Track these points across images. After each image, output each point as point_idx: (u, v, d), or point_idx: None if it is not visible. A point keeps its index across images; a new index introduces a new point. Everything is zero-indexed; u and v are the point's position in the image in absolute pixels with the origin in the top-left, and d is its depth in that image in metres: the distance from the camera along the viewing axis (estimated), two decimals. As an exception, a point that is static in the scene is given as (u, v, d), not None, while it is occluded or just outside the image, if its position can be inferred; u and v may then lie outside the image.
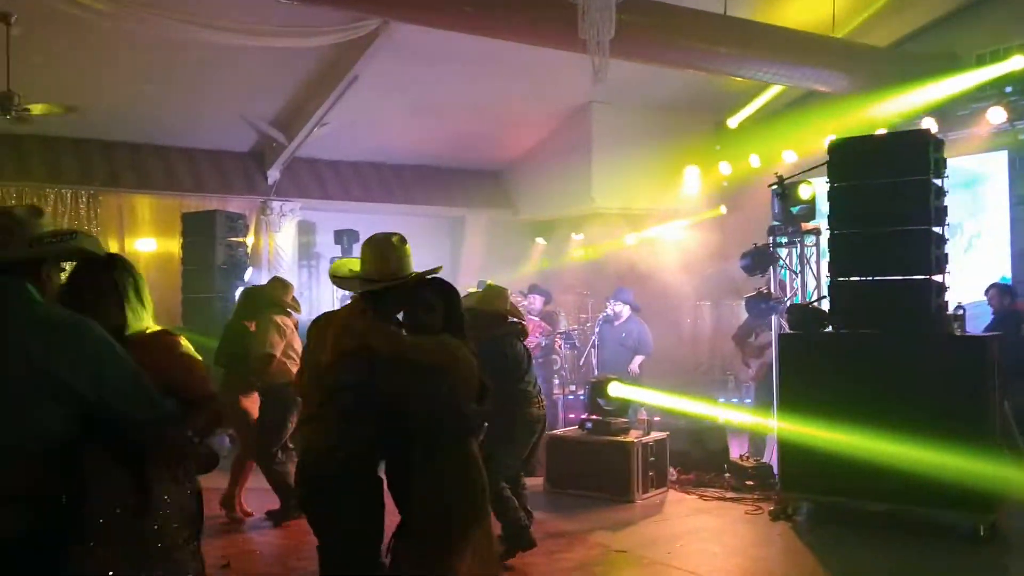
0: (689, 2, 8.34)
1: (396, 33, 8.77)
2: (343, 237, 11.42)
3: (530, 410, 5.52)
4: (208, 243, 9.79)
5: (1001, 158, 9.33)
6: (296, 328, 6.44)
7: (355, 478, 3.31)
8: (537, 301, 10.30)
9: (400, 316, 3.57)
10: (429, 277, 3.56)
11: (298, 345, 6.31)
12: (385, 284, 3.43)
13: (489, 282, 6.10)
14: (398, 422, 3.32)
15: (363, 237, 12.04)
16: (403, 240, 3.54)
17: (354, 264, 3.64)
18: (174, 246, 10.07)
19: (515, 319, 5.72)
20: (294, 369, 6.11)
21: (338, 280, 3.69)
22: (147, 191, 10.54)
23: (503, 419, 5.08)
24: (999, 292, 7.98)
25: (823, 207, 6.96)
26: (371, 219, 12.05)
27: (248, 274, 10.01)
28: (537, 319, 10.09)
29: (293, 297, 6.61)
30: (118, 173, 10.38)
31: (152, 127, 10.39)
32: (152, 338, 2.78)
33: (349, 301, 3.90)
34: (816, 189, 7.28)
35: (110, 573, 2.46)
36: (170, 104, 9.85)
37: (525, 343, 5.75)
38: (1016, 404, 6.90)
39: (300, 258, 11.98)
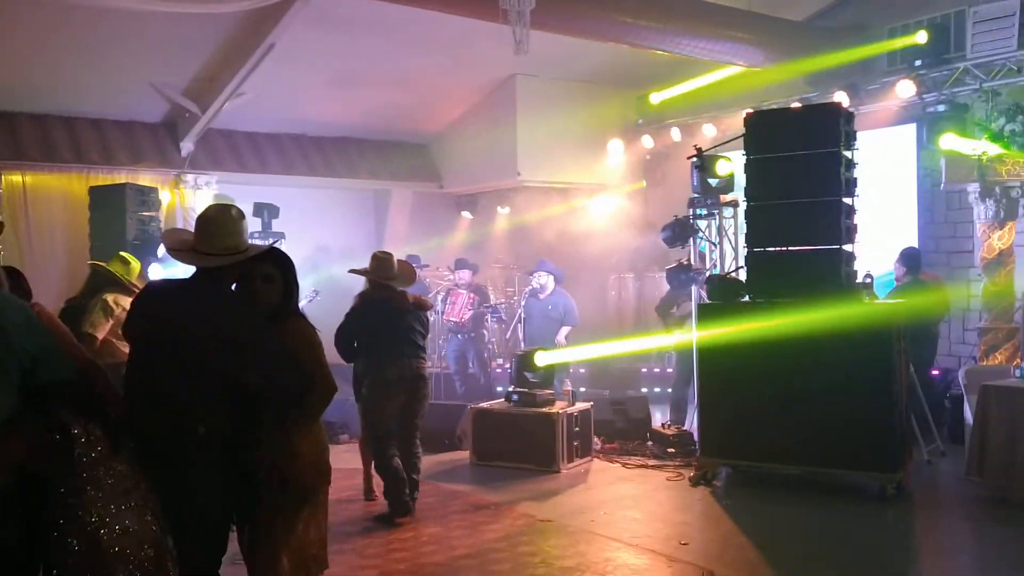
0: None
1: (314, 0, 8.53)
2: (263, 211, 11.13)
3: (386, 371, 5.86)
4: (118, 218, 9.40)
5: (910, 131, 9.63)
6: None
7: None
8: (465, 275, 10.31)
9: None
10: (269, 247, 3.55)
11: None
12: (229, 259, 3.32)
13: (377, 252, 6.22)
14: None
15: (283, 211, 11.71)
16: (241, 213, 3.45)
17: (187, 235, 3.49)
18: (82, 221, 9.64)
19: (387, 282, 5.97)
20: (125, 349, 5.99)
21: (175, 253, 3.42)
22: (53, 164, 10.05)
23: (368, 379, 5.92)
24: (903, 262, 8.27)
25: (741, 180, 7.14)
26: (291, 192, 11.82)
27: (162, 250, 9.67)
28: (465, 292, 10.09)
29: (140, 274, 6.44)
30: (21, 146, 9.87)
31: (56, 96, 9.90)
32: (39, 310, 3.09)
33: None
34: (735, 162, 7.40)
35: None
36: (75, 71, 9.40)
37: (404, 308, 6.08)
38: (917, 368, 7.23)
39: (217, 232, 11.64)
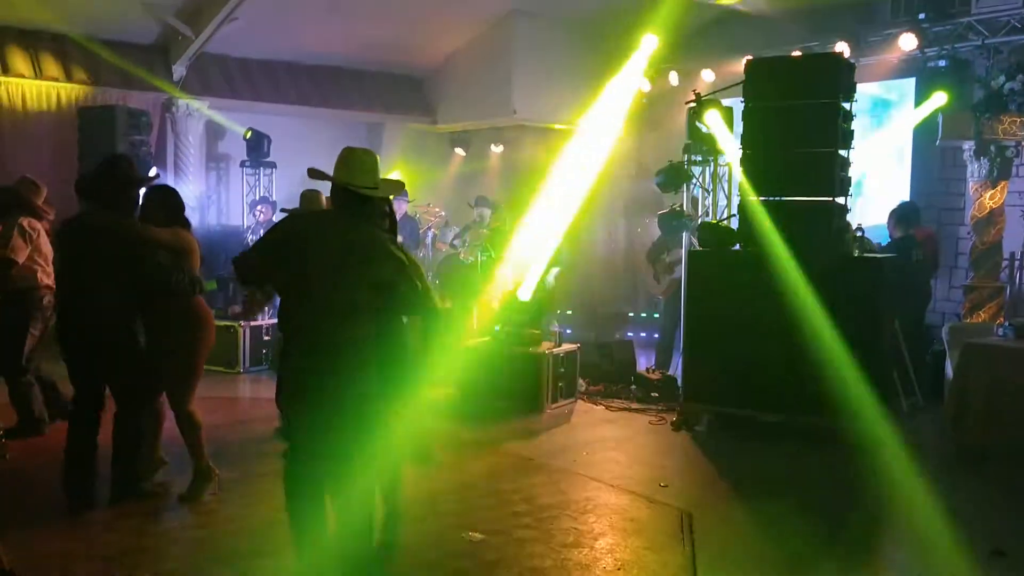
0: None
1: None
2: (262, 140, 11.07)
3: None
4: (108, 140, 9.28)
5: (909, 85, 9.57)
6: (49, 232, 6.22)
7: None
8: (486, 214, 10.26)
9: None
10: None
11: (46, 250, 6.14)
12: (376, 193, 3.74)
13: (305, 190, 6.43)
14: None
15: (275, 140, 11.59)
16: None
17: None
18: (71, 141, 9.51)
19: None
20: (40, 275, 6.10)
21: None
22: (41, 82, 9.85)
23: None
24: (895, 217, 8.29)
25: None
26: (284, 121, 11.68)
27: (152, 173, 9.57)
28: (486, 231, 10.02)
29: (46, 199, 6.36)
30: (10, 62, 9.66)
31: (47, 13, 9.65)
32: None
33: None
34: (734, 110, 7.33)
35: None
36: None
37: None
38: (903, 323, 7.31)
39: (207, 160, 11.53)
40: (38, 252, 6.08)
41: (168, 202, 4.88)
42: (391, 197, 4.18)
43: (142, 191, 4.97)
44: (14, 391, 6.16)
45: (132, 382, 4.75)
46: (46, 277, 6.14)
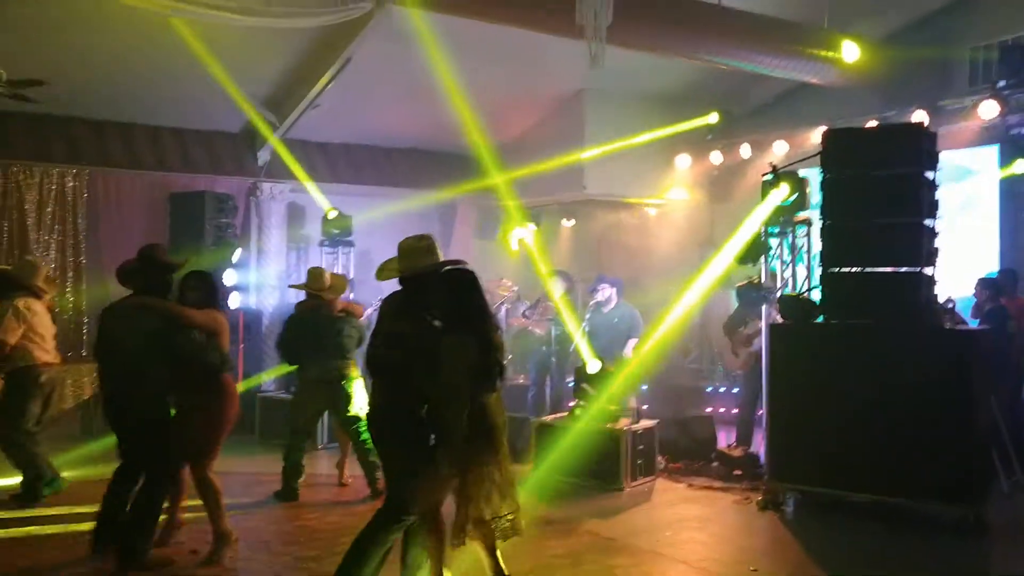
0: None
1: (390, 15, 8.68)
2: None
3: (309, 371, 6.94)
4: (197, 223, 9.72)
5: (992, 153, 9.35)
6: (51, 310, 6.74)
7: None
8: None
9: None
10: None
11: (44, 329, 6.49)
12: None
13: (311, 267, 7.34)
14: None
15: (354, 222, 11.87)
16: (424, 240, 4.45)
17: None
18: (162, 227, 9.96)
19: (317, 293, 6.97)
20: (38, 352, 6.46)
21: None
22: (136, 172, 10.40)
23: (296, 378, 7.37)
24: (983, 287, 8.01)
25: (814, 198, 7.02)
26: (361, 202, 12.00)
27: (237, 255, 9.94)
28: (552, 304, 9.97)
29: (47, 277, 6.78)
30: (108, 153, 10.24)
31: (142, 107, 10.25)
32: None
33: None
34: (810, 180, 7.27)
35: None
36: (160, 83, 9.72)
37: (333, 315, 7.00)
38: (1000, 401, 6.97)
39: (289, 239, 11.89)
40: (34, 331, 6.44)
41: (202, 285, 5.31)
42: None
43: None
44: (16, 458, 6.48)
45: (159, 450, 5.01)
46: (44, 354, 6.52)
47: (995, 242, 9.37)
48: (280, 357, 7.44)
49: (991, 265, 8.95)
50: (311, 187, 10.99)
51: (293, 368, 7.23)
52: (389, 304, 4.51)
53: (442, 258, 4.42)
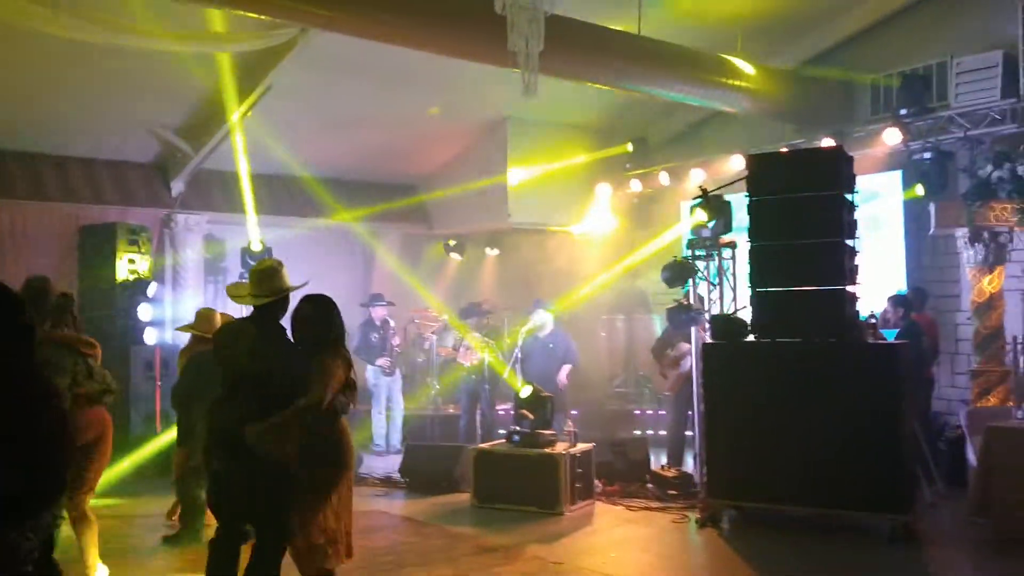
0: (604, 21, 8.53)
1: (313, 42, 8.58)
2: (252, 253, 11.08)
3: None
4: (108, 257, 9.32)
5: (895, 177, 9.84)
6: None
7: None
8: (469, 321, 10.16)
9: None
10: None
11: None
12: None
13: (199, 309, 6.98)
14: None
15: (274, 252, 11.57)
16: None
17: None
18: (71, 261, 9.51)
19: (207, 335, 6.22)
20: None
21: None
22: (42, 203, 9.90)
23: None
24: (895, 304, 8.40)
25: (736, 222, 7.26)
26: (281, 233, 11.74)
27: (152, 290, 9.57)
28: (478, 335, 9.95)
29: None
30: (11, 183, 9.73)
31: (49, 136, 9.80)
32: None
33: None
34: (734, 204, 7.48)
35: None
36: (68, 111, 9.32)
37: None
38: (914, 413, 7.28)
39: (206, 273, 11.51)
40: None
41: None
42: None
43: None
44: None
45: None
46: None
47: (899, 261, 9.82)
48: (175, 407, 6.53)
49: (897, 283, 9.38)
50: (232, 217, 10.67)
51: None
52: (237, 332, 4.43)
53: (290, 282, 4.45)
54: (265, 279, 4.37)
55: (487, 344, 9.59)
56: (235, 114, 9.62)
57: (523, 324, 9.39)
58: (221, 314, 6.71)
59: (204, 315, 6.69)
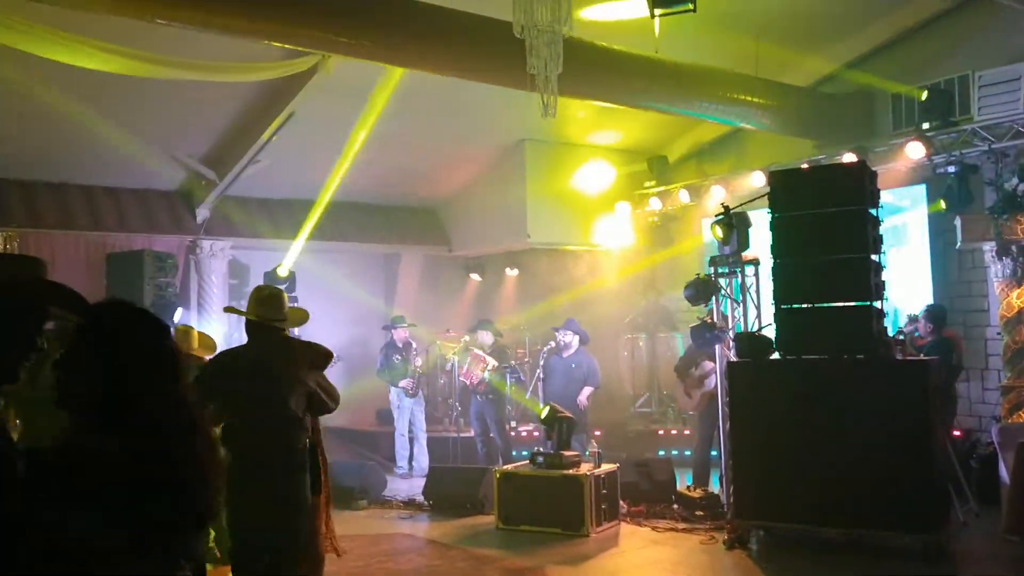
0: (622, 44, 8.56)
1: (334, 68, 8.67)
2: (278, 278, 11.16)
3: None
4: (136, 284, 9.43)
5: (919, 192, 9.75)
6: None
7: None
8: (488, 336, 10.14)
9: None
10: None
11: None
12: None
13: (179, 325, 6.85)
14: None
15: (297, 276, 11.61)
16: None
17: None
18: (99, 288, 9.62)
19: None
20: None
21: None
22: (69, 232, 10.06)
23: None
24: (928, 319, 8.26)
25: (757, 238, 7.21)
26: (304, 257, 11.83)
27: (178, 315, 9.66)
28: (481, 353, 9.96)
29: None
30: (41, 213, 9.90)
31: (75, 166, 9.97)
32: None
33: None
34: (756, 221, 7.45)
35: None
36: (94, 142, 9.47)
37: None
38: (945, 430, 7.17)
39: (231, 298, 11.60)
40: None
41: None
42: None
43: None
44: None
45: None
46: None
47: (925, 276, 9.71)
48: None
49: (924, 298, 9.26)
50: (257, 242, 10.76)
51: None
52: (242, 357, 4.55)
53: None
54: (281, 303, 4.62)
55: (485, 364, 9.55)
56: (258, 141, 9.76)
57: (545, 343, 9.36)
58: (201, 334, 6.47)
59: (183, 332, 6.51)
